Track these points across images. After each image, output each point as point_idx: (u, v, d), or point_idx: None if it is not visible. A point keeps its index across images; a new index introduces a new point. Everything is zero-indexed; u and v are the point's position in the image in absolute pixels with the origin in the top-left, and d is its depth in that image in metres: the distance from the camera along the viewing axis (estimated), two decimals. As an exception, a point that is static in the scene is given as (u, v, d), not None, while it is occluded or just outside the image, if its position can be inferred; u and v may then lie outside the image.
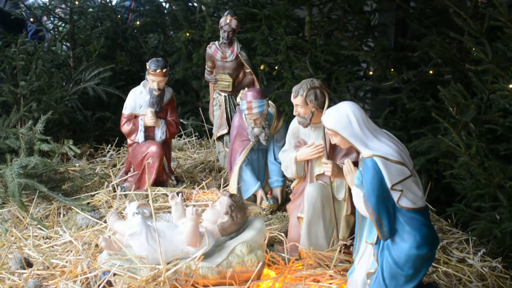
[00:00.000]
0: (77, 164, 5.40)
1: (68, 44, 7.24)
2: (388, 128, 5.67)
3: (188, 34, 7.07)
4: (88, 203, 4.63)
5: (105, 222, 4.08)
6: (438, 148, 5.18)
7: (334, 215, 3.87)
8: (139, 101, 4.80)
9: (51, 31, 7.24)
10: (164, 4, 7.94)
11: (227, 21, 5.21)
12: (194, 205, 3.53)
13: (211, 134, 5.94)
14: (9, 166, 4.53)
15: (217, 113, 5.48)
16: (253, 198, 4.69)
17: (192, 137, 6.34)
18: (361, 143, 3.04)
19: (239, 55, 5.26)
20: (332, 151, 3.87)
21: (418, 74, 5.95)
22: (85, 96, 6.59)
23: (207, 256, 3.43)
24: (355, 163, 3.27)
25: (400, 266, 3.02)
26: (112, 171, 5.23)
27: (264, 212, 4.59)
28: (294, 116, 3.98)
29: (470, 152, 4.75)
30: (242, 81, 5.38)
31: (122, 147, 5.84)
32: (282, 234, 4.05)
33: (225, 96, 5.37)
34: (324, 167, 3.70)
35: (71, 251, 3.81)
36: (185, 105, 7.20)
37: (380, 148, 3.00)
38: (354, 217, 3.49)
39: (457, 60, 5.73)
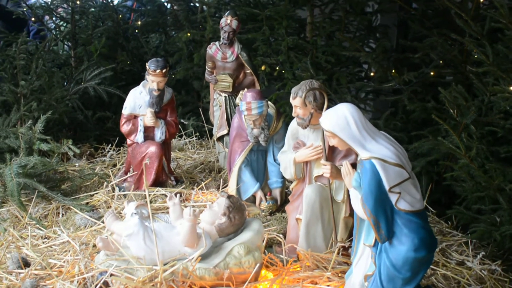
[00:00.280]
0: (77, 164, 5.40)
1: (69, 43, 7.24)
2: (388, 129, 5.68)
3: (189, 34, 7.06)
4: (87, 203, 4.63)
5: (103, 222, 4.08)
6: (438, 150, 5.16)
7: (333, 217, 3.86)
8: (138, 101, 4.80)
9: (53, 31, 7.24)
10: (165, 4, 7.93)
11: (227, 21, 5.20)
12: (192, 206, 3.50)
13: (211, 135, 5.93)
14: (8, 166, 4.53)
15: (217, 113, 5.47)
16: (252, 199, 4.69)
17: (193, 138, 6.33)
18: (359, 145, 3.03)
19: (239, 55, 5.25)
20: (331, 153, 3.85)
21: (419, 75, 5.93)
22: (86, 96, 6.60)
23: (204, 257, 3.42)
24: (354, 165, 3.26)
25: (397, 269, 3.00)
26: (112, 171, 5.22)
27: (263, 213, 4.58)
28: (294, 117, 3.97)
29: (470, 154, 4.73)
30: (242, 81, 5.38)
31: (122, 147, 5.83)
32: (281, 235, 4.04)
33: (225, 96, 5.36)
34: (323, 168, 3.69)
35: (69, 251, 3.80)
36: (186, 105, 7.19)
37: (378, 150, 2.99)
38: (353, 219, 3.48)
39: (458, 61, 5.71)
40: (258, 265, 3.46)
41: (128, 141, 4.89)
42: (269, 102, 4.56)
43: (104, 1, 7.59)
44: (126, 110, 4.81)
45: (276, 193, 4.69)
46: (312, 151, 3.89)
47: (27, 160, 4.61)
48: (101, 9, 7.53)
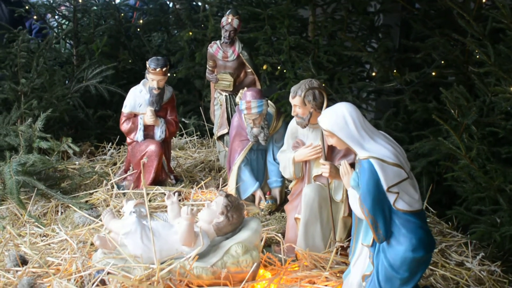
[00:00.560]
0: (77, 162, 5.40)
1: (71, 42, 7.25)
2: (390, 130, 5.66)
3: (191, 33, 7.05)
4: (87, 201, 4.62)
5: (101, 220, 4.06)
6: (439, 150, 5.14)
7: (332, 216, 3.84)
8: (138, 100, 4.79)
9: (55, 29, 7.24)
10: (168, 2, 7.93)
11: (228, 20, 5.18)
12: (190, 205, 3.49)
13: (212, 134, 5.92)
14: (7, 164, 4.53)
15: (218, 112, 5.46)
16: (252, 198, 4.68)
17: (194, 137, 6.32)
18: (358, 144, 3.02)
19: (240, 54, 5.24)
20: (330, 152, 3.84)
21: (421, 75, 5.91)
22: (87, 94, 6.60)
23: (202, 256, 3.41)
24: (353, 165, 3.25)
25: (395, 269, 2.99)
26: (112, 169, 5.22)
27: (262, 213, 4.57)
28: (294, 117, 3.96)
29: (471, 155, 4.71)
30: (243, 81, 5.36)
31: (123, 146, 5.83)
32: (279, 235, 4.03)
33: (226, 95, 5.35)
34: (322, 168, 3.68)
35: (67, 249, 3.80)
36: (187, 104, 7.19)
37: (376, 150, 2.98)
38: (352, 219, 3.46)
39: (460, 62, 5.69)
40: (255, 264, 3.45)
41: (128, 140, 4.89)
42: (269, 101, 4.55)
43: (106, -1, 7.61)
44: (126, 108, 4.81)
45: (276, 192, 4.68)
46: (311, 150, 3.87)
47: (27, 158, 4.60)
48: (103, 7, 7.54)
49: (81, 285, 3.36)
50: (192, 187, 4.83)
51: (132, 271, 3.32)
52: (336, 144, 3.13)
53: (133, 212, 3.51)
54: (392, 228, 2.98)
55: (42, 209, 4.53)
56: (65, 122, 6.17)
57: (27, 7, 7.13)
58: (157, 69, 4.61)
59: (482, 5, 5.49)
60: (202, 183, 4.85)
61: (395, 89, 6.32)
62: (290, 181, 4.23)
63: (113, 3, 7.59)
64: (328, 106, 3.40)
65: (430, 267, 3.84)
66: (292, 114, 3.88)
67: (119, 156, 5.70)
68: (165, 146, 4.90)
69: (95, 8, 7.49)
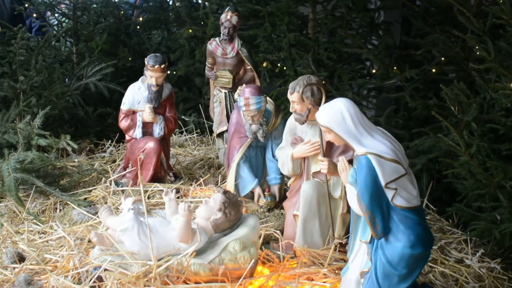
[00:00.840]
0: (76, 160, 5.39)
1: (71, 40, 7.24)
2: (390, 127, 5.65)
3: (190, 31, 7.04)
4: (85, 198, 4.61)
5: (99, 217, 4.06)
6: (439, 147, 5.12)
7: (330, 213, 3.83)
8: (137, 97, 4.78)
9: (55, 27, 7.24)
10: (167, 0, 7.92)
11: (227, 17, 5.17)
12: (188, 202, 3.48)
13: (212, 131, 5.91)
14: (6, 161, 4.52)
15: (217, 110, 5.44)
16: (251, 195, 4.66)
17: (193, 134, 6.31)
18: (355, 140, 3.00)
19: (239, 51, 5.22)
20: (329, 149, 3.82)
21: (421, 72, 5.89)
22: (87, 92, 6.60)
23: (199, 252, 3.40)
24: (351, 161, 3.23)
25: (393, 266, 2.97)
26: (111, 167, 5.21)
27: (261, 210, 4.55)
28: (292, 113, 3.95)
29: (470, 151, 4.69)
30: (242, 78, 5.34)
31: (122, 143, 5.82)
32: (278, 231, 4.02)
33: (225, 92, 5.33)
34: (320, 164, 3.66)
35: (65, 246, 3.79)
36: (187, 102, 7.18)
37: (374, 146, 2.96)
38: (350, 216, 3.45)
39: (461, 58, 5.68)
40: (253, 261, 3.44)
41: (127, 137, 4.88)
42: (267, 97, 4.53)
43: (106, -3, 7.60)
44: (124, 105, 4.80)
45: (275, 189, 4.66)
46: (310, 147, 3.86)
47: (25, 155, 4.60)
48: (102, 5, 7.53)
49: (79, 281, 3.35)
50: (191, 184, 4.81)
51: (129, 267, 3.31)
52: (334, 140, 3.11)
53: (131, 209, 3.50)
54: (390, 225, 2.96)
55: (40, 207, 4.52)
56: (64, 119, 6.17)
57: (26, 5, 7.11)
58: (156, 66, 4.60)
59: (482, 1, 5.48)
60: (201, 180, 4.84)
61: (395, 86, 6.30)
62: (289, 178, 4.22)
63: (113, 1, 7.58)
64: (325, 102, 3.39)
65: (429, 263, 3.83)
66: (291, 110, 3.87)
67: (118, 153, 5.69)
68: (164, 143, 4.89)
69: (94, 6, 7.49)
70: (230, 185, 4.60)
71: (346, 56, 6.62)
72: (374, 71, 6.47)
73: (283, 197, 4.62)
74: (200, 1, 7.60)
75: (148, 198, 4.53)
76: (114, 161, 5.50)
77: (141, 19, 7.73)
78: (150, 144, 4.74)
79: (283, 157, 4.03)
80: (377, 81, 6.28)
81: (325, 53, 6.36)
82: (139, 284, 3.18)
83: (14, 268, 3.56)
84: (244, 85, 4.61)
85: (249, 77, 5.33)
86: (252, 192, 4.65)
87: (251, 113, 4.38)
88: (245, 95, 4.36)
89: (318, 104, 3.73)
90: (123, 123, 4.80)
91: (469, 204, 4.86)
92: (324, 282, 3.46)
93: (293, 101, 3.81)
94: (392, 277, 3.00)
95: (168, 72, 7.16)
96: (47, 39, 6.43)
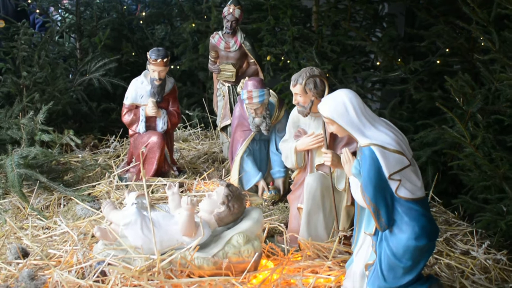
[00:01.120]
0: (80, 155, 5.38)
1: (75, 35, 7.23)
2: (395, 119, 5.62)
3: (193, 25, 7.02)
4: (89, 193, 4.60)
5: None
6: (444, 139, 5.09)
7: (334, 205, 3.81)
8: (140, 91, 4.77)
9: (58, 23, 7.23)
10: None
11: (230, 10, 5.15)
12: (194, 196, 3.46)
13: (216, 125, 5.89)
14: (9, 157, 4.52)
15: (220, 103, 5.43)
16: (255, 188, 4.65)
17: (197, 128, 6.30)
18: (358, 131, 2.97)
19: (242, 45, 5.20)
20: (332, 141, 3.80)
21: (426, 64, 5.85)
22: (90, 88, 6.59)
23: (203, 246, 3.39)
24: (355, 153, 3.20)
25: (398, 258, 2.95)
26: (114, 162, 5.20)
27: (265, 203, 4.53)
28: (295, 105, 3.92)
29: (475, 143, 4.65)
30: (246, 71, 5.33)
31: (126, 138, 5.81)
32: (282, 225, 4.00)
33: (228, 86, 5.32)
34: (324, 157, 3.63)
35: (68, 241, 3.78)
36: (191, 96, 7.17)
37: (377, 137, 2.93)
38: (355, 208, 3.43)
39: (465, 49, 5.64)
40: (257, 254, 3.42)
41: (130, 132, 4.87)
42: (270, 90, 4.51)
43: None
44: (127, 100, 4.79)
45: (279, 182, 4.64)
46: (313, 139, 3.83)
47: (28, 151, 4.59)
48: (105, 0, 7.51)
49: (82, 276, 3.35)
50: (195, 179, 4.80)
51: (132, 262, 3.30)
52: (337, 131, 3.08)
53: (135, 203, 3.49)
54: (395, 216, 2.94)
55: (44, 202, 4.52)
56: (68, 115, 6.16)
57: (29, 1, 7.11)
58: (158, 60, 4.59)
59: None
60: (205, 174, 4.83)
61: (400, 78, 6.27)
62: (293, 171, 4.19)
63: (116, -4, 7.58)
64: (328, 94, 3.36)
65: (435, 255, 3.81)
66: (293, 102, 3.84)
67: (122, 148, 5.69)
68: (167, 137, 4.88)
69: (97, 1, 7.48)
70: (233, 179, 4.59)
71: (350, 49, 6.60)
72: (378, 63, 6.43)
73: (287, 190, 4.60)
74: (203, -5, 7.59)
75: (152, 192, 4.53)
76: (118, 156, 5.50)
77: (144, 14, 7.71)
78: (154, 139, 4.73)
79: (286, 150, 4.01)
80: (381, 73, 6.24)
81: (329, 46, 6.33)
82: (142, 278, 3.17)
83: (18, 263, 3.55)
84: (247, 78, 4.58)
85: (252, 70, 5.32)
86: (256, 186, 4.63)
87: (254, 106, 4.36)
88: (248, 88, 4.34)
89: (321, 96, 3.70)
90: (126, 118, 4.79)
91: (474, 196, 4.84)
92: (329, 275, 3.44)
93: (296, 93, 3.79)
94: (397, 269, 2.98)
95: (172, 66, 7.17)
96: (50, 34, 6.42)
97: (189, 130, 6.30)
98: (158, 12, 7.70)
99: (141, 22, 7.71)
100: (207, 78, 7.17)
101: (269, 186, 4.58)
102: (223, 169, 5.03)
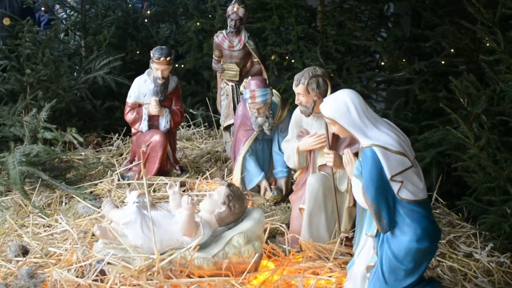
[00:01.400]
0: (83, 153, 5.37)
1: (80, 33, 7.24)
2: (399, 120, 5.58)
3: (198, 24, 7.01)
4: (91, 192, 4.59)
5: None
6: (448, 140, 5.06)
7: (336, 206, 3.78)
8: (143, 90, 4.76)
9: (63, 21, 7.23)
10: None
11: (234, 9, 5.13)
12: (189, 195, 3.44)
13: (219, 125, 5.88)
14: (11, 154, 4.51)
15: (224, 103, 5.41)
16: (257, 188, 4.63)
17: (201, 127, 6.29)
18: (360, 132, 2.95)
19: (246, 44, 5.18)
20: (335, 141, 3.78)
21: (430, 64, 5.82)
22: (95, 86, 6.59)
23: (203, 246, 3.37)
24: (357, 154, 3.18)
25: (399, 260, 2.93)
26: (117, 160, 5.19)
27: (268, 203, 4.51)
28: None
29: (479, 144, 4.62)
30: (249, 70, 5.30)
31: (129, 137, 5.80)
32: (284, 225, 3.98)
33: (232, 85, 5.30)
34: (326, 157, 3.61)
35: (69, 240, 3.77)
36: (196, 95, 7.15)
37: (379, 138, 2.91)
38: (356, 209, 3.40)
39: (470, 50, 5.60)
40: (257, 255, 3.40)
41: (133, 130, 4.86)
42: (273, 90, 4.48)
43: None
44: (130, 98, 4.79)
45: (281, 183, 4.62)
46: (316, 139, 3.81)
47: (31, 149, 4.59)
48: (110, -2, 7.52)
49: (82, 275, 3.33)
50: (197, 178, 4.78)
51: (132, 261, 3.28)
52: (339, 132, 3.06)
53: (136, 202, 3.47)
54: (396, 218, 2.92)
55: (46, 200, 4.51)
56: (72, 113, 6.16)
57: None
58: (161, 59, 4.58)
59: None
60: (207, 173, 4.81)
61: (405, 79, 6.24)
62: (296, 171, 4.17)
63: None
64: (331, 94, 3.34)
65: (438, 258, 3.78)
66: (296, 102, 3.82)
67: (125, 147, 5.68)
68: (170, 136, 4.86)
69: (102, -1, 7.48)
70: (236, 179, 4.57)
71: (355, 49, 6.57)
72: (383, 63, 6.40)
73: (290, 191, 4.58)
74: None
75: (154, 191, 4.51)
76: (121, 155, 5.50)
77: (149, 12, 7.71)
78: (156, 137, 4.72)
79: (289, 150, 3.99)
80: (386, 73, 6.21)
81: (334, 45, 6.30)
82: (141, 278, 3.16)
83: (18, 261, 3.54)
84: (250, 77, 4.56)
85: (256, 69, 5.29)
86: (258, 186, 4.61)
87: (257, 105, 4.33)
88: (251, 87, 4.32)
89: (323, 96, 3.67)
90: (129, 116, 4.79)
91: (479, 197, 4.80)
92: (330, 277, 3.42)
93: (298, 93, 3.77)
94: (398, 271, 2.96)
95: (176, 65, 7.15)
96: (54, 32, 6.42)
97: (192, 129, 6.29)
98: (163, 10, 7.70)
99: (146, 20, 7.70)
100: (211, 77, 7.16)
101: (272, 186, 4.56)
102: (226, 169, 5.01)
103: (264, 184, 4.57)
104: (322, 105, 3.05)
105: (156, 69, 4.64)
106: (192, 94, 7.11)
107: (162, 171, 4.81)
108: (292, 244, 3.85)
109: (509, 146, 4.81)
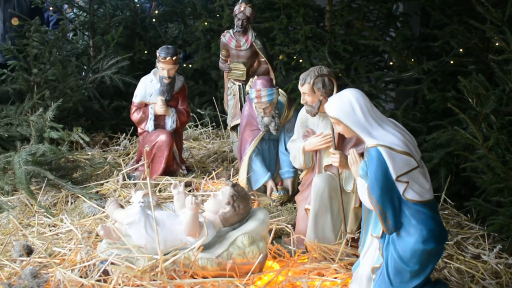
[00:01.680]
0: (89, 153, 5.37)
1: (88, 33, 7.25)
2: (407, 120, 5.54)
3: (206, 24, 7.00)
4: (97, 191, 4.58)
5: (107, 210, 4.04)
6: (457, 140, 5.01)
7: (342, 207, 3.75)
8: (149, 89, 4.75)
9: (72, 21, 7.24)
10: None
11: (241, 9, 5.12)
12: (194, 195, 3.43)
13: (227, 124, 5.86)
14: (17, 153, 4.52)
15: (231, 102, 5.39)
16: (264, 189, 4.60)
17: (208, 127, 6.27)
18: (365, 132, 2.92)
19: (253, 43, 5.16)
20: (341, 141, 3.75)
21: (439, 64, 5.78)
22: (103, 85, 6.59)
23: (207, 247, 3.35)
24: (362, 154, 3.15)
25: (405, 262, 2.90)
26: (124, 160, 5.18)
27: (274, 204, 4.49)
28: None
29: (488, 144, 4.57)
30: (256, 70, 5.28)
31: (136, 136, 5.79)
32: (290, 226, 3.95)
33: (239, 85, 5.28)
34: (332, 157, 3.58)
35: (74, 239, 3.76)
36: (203, 95, 7.15)
37: (385, 138, 2.88)
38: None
39: (479, 50, 5.55)
40: (262, 255, 3.37)
41: (139, 130, 4.85)
42: (280, 90, 4.46)
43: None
44: (136, 98, 4.78)
45: (288, 183, 4.59)
46: (321, 139, 3.79)
47: (37, 148, 4.60)
48: (119, -2, 7.53)
49: (85, 275, 3.32)
50: (203, 178, 4.76)
51: (136, 261, 3.27)
52: (344, 131, 3.03)
53: (142, 202, 3.46)
54: (402, 219, 2.88)
55: (52, 199, 4.51)
56: (79, 113, 6.16)
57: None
58: (167, 58, 4.57)
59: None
60: (213, 173, 4.79)
61: (413, 79, 6.20)
62: (302, 171, 4.14)
63: (129, -6, 7.58)
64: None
65: (445, 259, 3.74)
66: (302, 102, 3.80)
67: (132, 146, 5.68)
68: (176, 136, 4.85)
69: (111, -1, 7.49)
70: (242, 179, 4.54)
71: (363, 49, 6.53)
72: (391, 63, 6.36)
73: (296, 191, 4.55)
74: (215, -7, 7.56)
75: (160, 191, 4.50)
76: (128, 155, 5.49)
77: (157, 12, 7.71)
78: (162, 137, 4.70)
79: (294, 150, 3.96)
80: (394, 73, 6.17)
81: (342, 45, 6.27)
82: (145, 278, 3.14)
83: (22, 261, 3.54)
84: (256, 77, 4.54)
85: (263, 69, 5.27)
86: (264, 186, 4.59)
87: (263, 105, 4.31)
88: (257, 87, 4.30)
89: (329, 95, 3.63)
90: (135, 116, 4.78)
91: (487, 198, 4.75)
92: (335, 278, 3.39)
93: (304, 93, 3.74)
94: (404, 273, 2.92)
95: (184, 65, 7.15)
96: (62, 32, 6.42)
97: (200, 129, 6.27)
98: (171, 10, 7.69)
99: (154, 20, 7.70)
100: (219, 77, 7.15)
101: (278, 187, 4.53)
102: (232, 169, 4.99)
103: (270, 184, 4.55)
104: (327, 104, 3.02)
105: (162, 68, 4.63)
106: (199, 94, 7.10)
107: (168, 171, 4.80)
108: (297, 245, 3.82)
109: (518, 147, 4.76)
